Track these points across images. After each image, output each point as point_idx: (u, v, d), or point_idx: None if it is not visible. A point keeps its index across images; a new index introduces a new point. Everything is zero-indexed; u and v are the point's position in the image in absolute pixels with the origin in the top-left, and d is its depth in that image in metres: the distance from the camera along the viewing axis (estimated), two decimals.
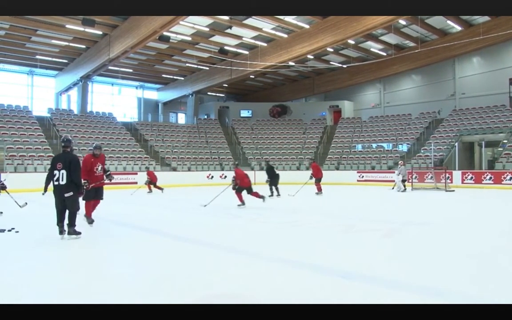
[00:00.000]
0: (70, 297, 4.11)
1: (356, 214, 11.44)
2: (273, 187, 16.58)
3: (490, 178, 22.29)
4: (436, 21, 24.63)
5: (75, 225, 7.31)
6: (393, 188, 20.75)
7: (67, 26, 23.13)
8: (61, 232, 7.24)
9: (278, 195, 16.29)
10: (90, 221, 8.67)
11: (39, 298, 4.11)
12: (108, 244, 7.14)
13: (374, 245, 6.98)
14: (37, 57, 29.32)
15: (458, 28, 25.23)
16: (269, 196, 15.40)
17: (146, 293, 4.30)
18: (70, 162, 7.24)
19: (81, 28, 23.14)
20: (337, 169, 29.61)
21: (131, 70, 33.80)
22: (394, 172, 25.99)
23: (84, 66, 28.92)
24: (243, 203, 12.62)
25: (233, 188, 12.71)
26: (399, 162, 21.81)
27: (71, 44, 26.81)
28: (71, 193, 7.21)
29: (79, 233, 7.30)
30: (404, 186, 20.15)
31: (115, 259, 6.16)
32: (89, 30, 23.46)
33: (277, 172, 17.23)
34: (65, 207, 7.28)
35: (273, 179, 16.69)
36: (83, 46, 27.48)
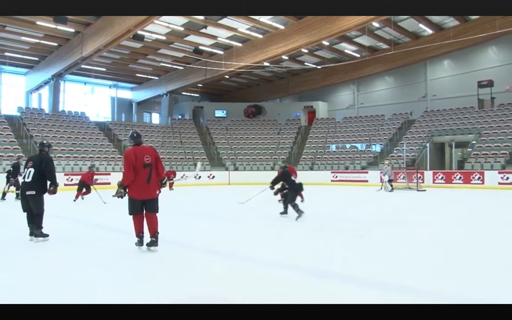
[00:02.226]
0: (38, 298, 4.02)
1: (329, 214, 11.53)
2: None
3: (460, 178, 22.79)
4: (409, 24, 25.08)
5: (41, 227, 7.14)
6: (380, 189, 20.71)
7: (38, 22, 22.52)
8: (31, 233, 7.09)
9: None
10: (137, 242, 6.50)
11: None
12: (81, 246, 6.94)
13: (347, 245, 7.05)
14: (6, 54, 28.49)
15: (429, 31, 25.75)
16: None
17: (122, 294, 4.24)
18: (41, 161, 7.12)
19: (53, 25, 22.64)
20: (311, 169, 29.81)
21: (104, 69, 33.22)
22: (367, 172, 26.41)
23: (56, 64, 28.30)
24: (76, 198, 15.13)
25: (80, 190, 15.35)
26: (385, 162, 22.01)
27: (42, 42, 26.16)
28: (33, 192, 7.01)
29: (47, 235, 7.13)
30: (391, 186, 20.23)
31: (90, 261, 5.99)
32: (61, 27, 22.98)
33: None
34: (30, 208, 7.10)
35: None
36: (55, 44, 26.85)
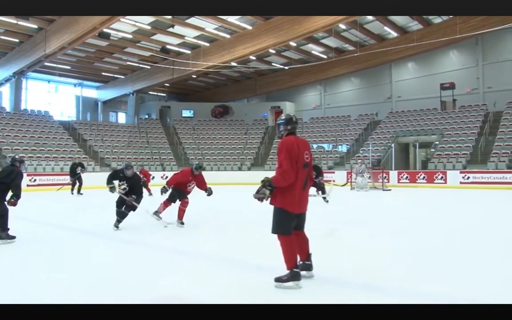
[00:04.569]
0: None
1: None
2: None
3: (424, 177, 23.36)
4: (374, 26, 25.54)
5: (7, 229, 7.04)
6: (352, 188, 20.81)
7: None
8: None
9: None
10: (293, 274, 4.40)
11: None
12: (47, 247, 6.79)
13: (314, 244, 7.07)
14: None
15: (394, 34, 26.31)
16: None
17: (84, 294, 4.13)
18: (11, 172, 7.15)
19: (14, 21, 21.93)
20: None
21: (69, 67, 32.38)
22: (334, 172, 26.66)
23: (18, 62, 27.38)
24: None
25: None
26: (359, 161, 22.23)
27: (2, 37, 25.16)
28: None
29: (13, 237, 7.03)
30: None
31: (54, 261, 5.84)
32: (23, 23, 22.29)
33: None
34: None
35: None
36: (16, 40, 25.93)
